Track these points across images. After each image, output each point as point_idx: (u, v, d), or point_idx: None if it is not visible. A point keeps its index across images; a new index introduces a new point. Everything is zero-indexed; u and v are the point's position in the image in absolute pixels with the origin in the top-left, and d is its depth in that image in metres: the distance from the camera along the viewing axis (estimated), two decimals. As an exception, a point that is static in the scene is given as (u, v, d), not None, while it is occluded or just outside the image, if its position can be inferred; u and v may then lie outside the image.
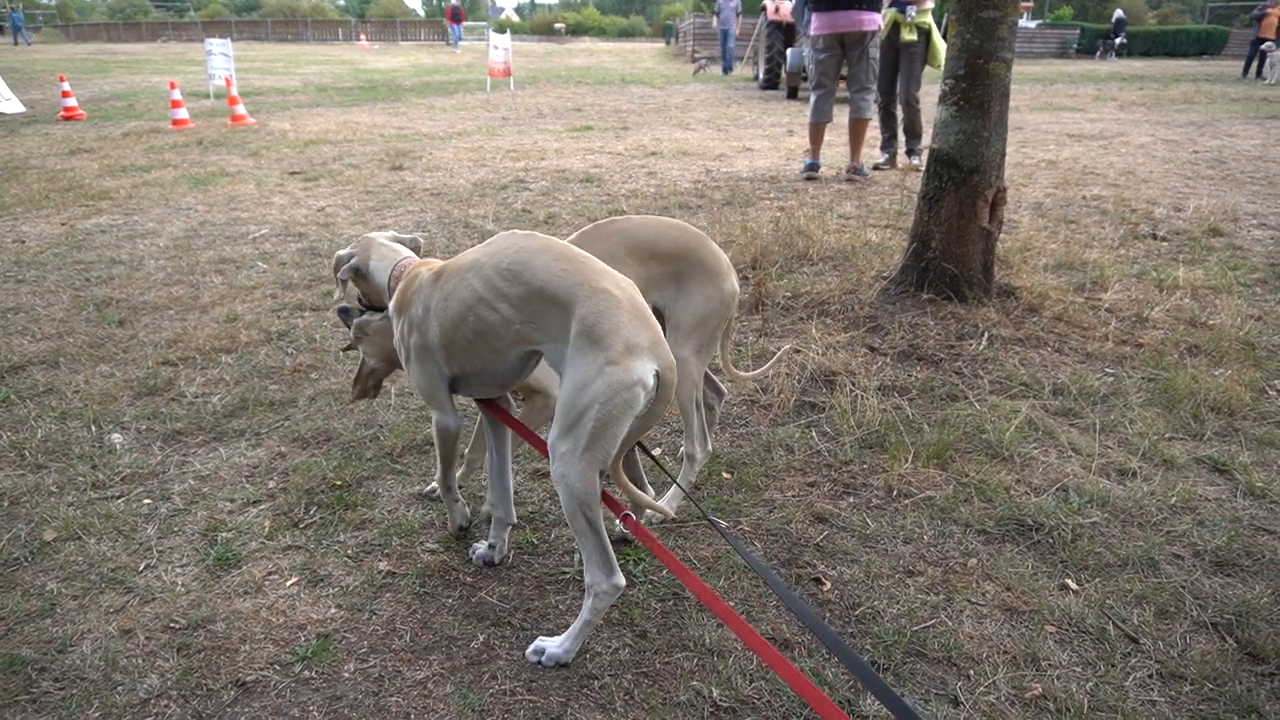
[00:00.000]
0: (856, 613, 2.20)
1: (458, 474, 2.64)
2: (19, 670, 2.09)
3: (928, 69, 7.81)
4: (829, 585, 2.31)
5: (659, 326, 1.87)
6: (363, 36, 43.41)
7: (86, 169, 8.61)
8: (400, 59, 29.03)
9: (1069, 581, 2.30)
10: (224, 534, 2.61)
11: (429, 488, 2.82)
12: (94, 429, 3.29)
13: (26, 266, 5.38)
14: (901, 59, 7.81)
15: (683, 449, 2.64)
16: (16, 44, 36.31)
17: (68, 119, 12.38)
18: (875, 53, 7.39)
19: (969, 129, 4.03)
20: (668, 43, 34.96)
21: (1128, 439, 3.04)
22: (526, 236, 1.99)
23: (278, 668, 2.08)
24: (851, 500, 2.72)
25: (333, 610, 2.28)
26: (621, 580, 1.96)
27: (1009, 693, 1.93)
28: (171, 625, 2.24)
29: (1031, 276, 4.51)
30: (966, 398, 3.31)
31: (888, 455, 2.92)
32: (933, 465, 2.86)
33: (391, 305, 2.29)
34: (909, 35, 7.64)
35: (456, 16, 29.08)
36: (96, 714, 1.95)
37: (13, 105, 13.51)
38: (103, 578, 2.44)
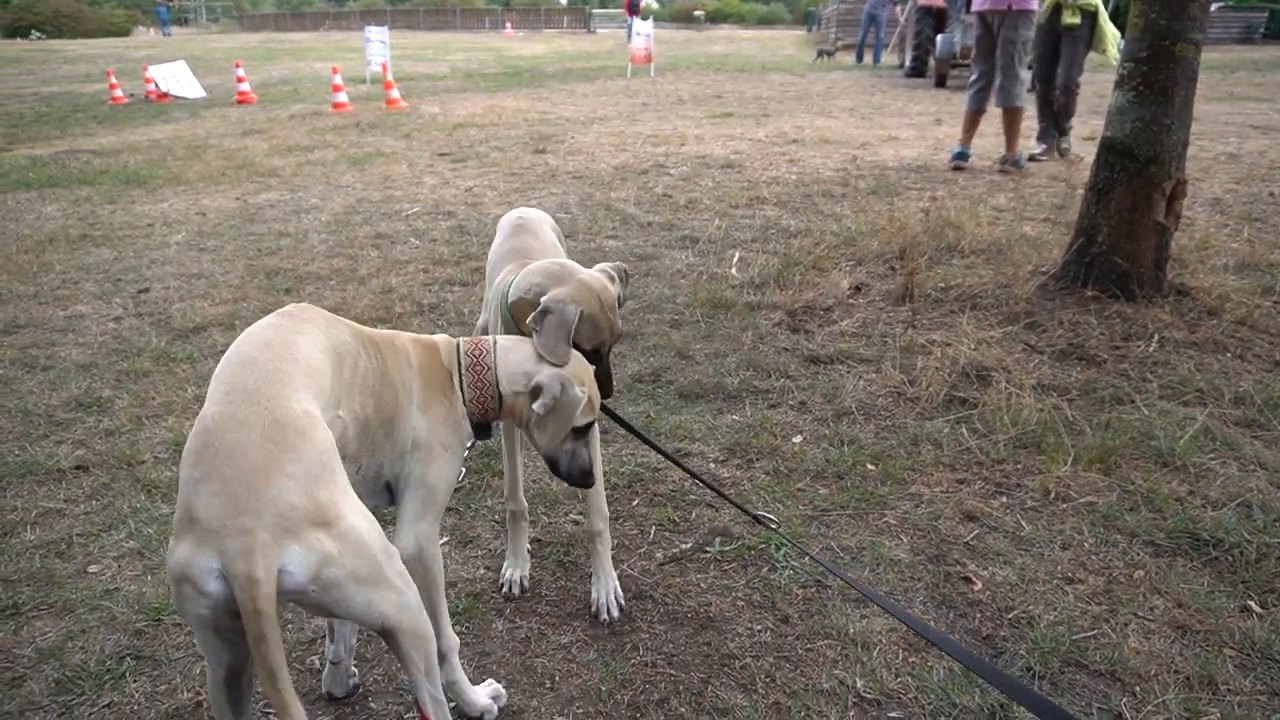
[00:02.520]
0: (1010, 616, 2.11)
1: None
2: None
3: (1090, 55, 7.34)
4: (980, 585, 2.22)
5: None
6: (508, 24, 44.62)
7: (257, 148, 9.23)
8: (543, 46, 29.68)
9: (1251, 604, 2.13)
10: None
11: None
12: (265, 387, 3.53)
13: (207, 237, 5.82)
14: (1063, 44, 7.34)
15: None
16: (166, 35, 39.40)
17: (241, 103, 13.29)
18: (1028, 35, 6.96)
19: (1148, 116, 3.77)
20: (809, 30, 34.25)
21: (1321, 455, 2.78)
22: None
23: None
24: (1004, 500, 2.60)
25: (481, 570, 2.37)
26: None
27: (1181, 714, 1.80)
28: (335, 573, 2.38)
29: (1210, 277, 4.18)
30: (1133, 401, 3.11)
31: (1044, 456, 2.78)
32: (1094, 470, 2.69)
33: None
34: (1071, 19, 7.17)
35: (634, 8, 28.98)
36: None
37: (196, 90, 14.63)
38: (274, 524, 2.62)
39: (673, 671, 1.98)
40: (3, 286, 4.83)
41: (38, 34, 39.38)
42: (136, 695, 1.97)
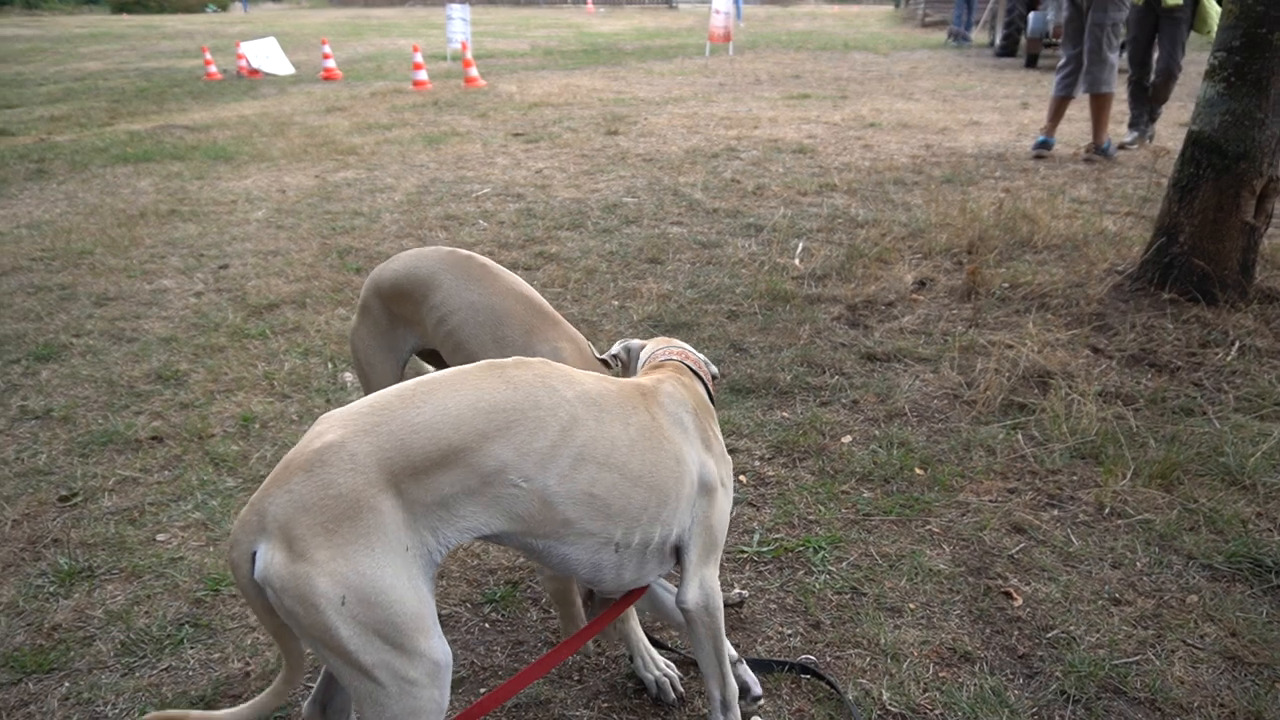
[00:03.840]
0: (1049, 635, 2.06)
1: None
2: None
3: (1192, 36, 6.94)
4: (1020, 601, 2.17)
5: None
6: (589, 1, 44.55)
7: (339, 126, 9.47)
8: (623, 22, 29.57)
9: (1311, 636, 2.03)
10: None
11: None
12: (330, 366, 3.66)
13: (286, 214, 6.02)
14: (1162, 26, 6.95)
15: None
16: (244, 11, 40.46)
17: (326, 79, 13.64)
18: (1118, 17, 6.60)
19: (1239, 110, 3.57)
20: (897, 5, 33.23)
21: (1407, 480, 2.62)
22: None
23: (469, 606, 2.25)
24: (1055, 513, 2.53)
25: (520, 559, 2.43)
26: None
27: (1221, 749, 1.75)
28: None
29: (1302, 281, 3.95)
30: (1205, 413, 2.98)
31: (1103, 469, 2.69)
32: (1155, 485, 2.60)
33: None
34: (1173, -1, 6.79)
35: None
36: (316, 625, 2.20)
37: (285, 67, 15.06)
38: (329, 502, 2.73)
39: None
40: (97, 260, 5.09)
41: (213, 7, 40.93)
42: (192, 661, 2.09)
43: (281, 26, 25.46)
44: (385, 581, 1.28)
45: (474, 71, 12.79)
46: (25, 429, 3.22)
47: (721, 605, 1.64)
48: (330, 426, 1.35)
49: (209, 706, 1.95)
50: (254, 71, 14.57)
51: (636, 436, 1.51)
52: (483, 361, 1.49)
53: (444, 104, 10.87)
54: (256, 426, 3.21)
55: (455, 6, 15.09)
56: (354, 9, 43.36)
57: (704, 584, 1.60)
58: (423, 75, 12.53)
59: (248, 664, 2.08)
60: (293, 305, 4.34)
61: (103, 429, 3.19)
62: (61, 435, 3.16)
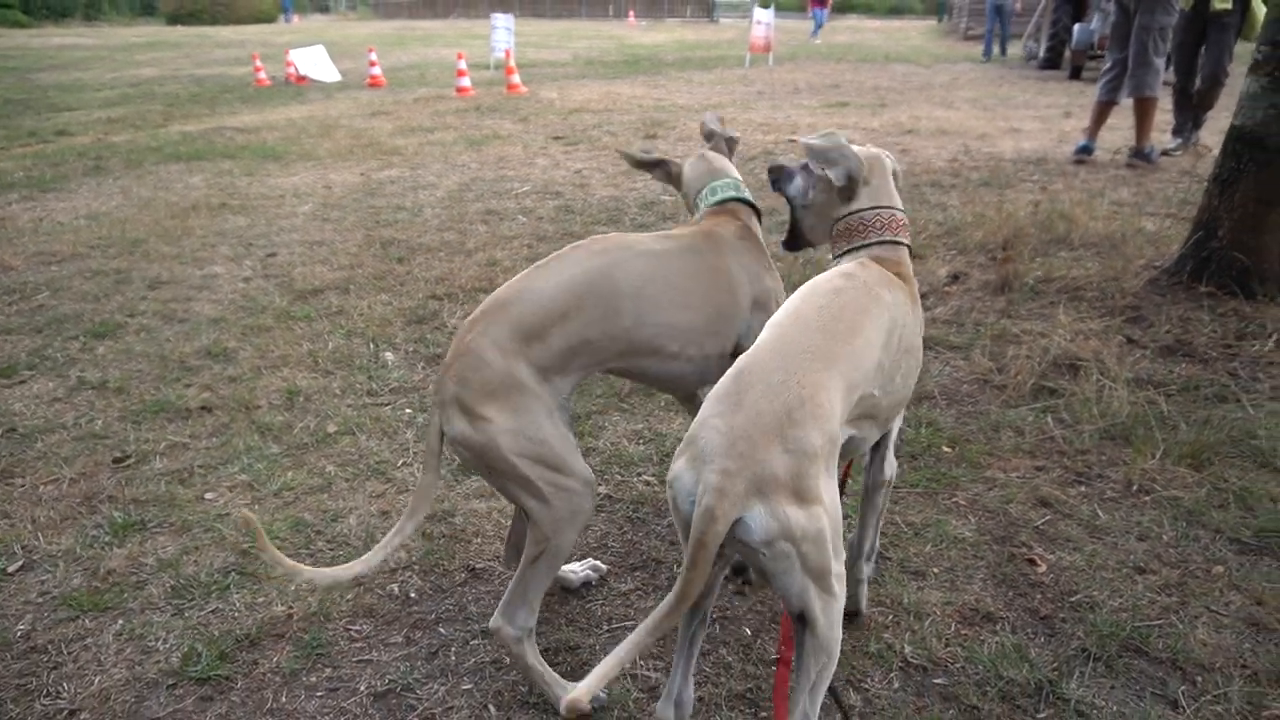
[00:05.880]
0: (1072, 599, 2.08)
1: None
2: (301, 530, 2.49)
3: (1240, 44, 6.86)
4: (1044, 568, 2.19)
5: None
6: (631, 14, 44.94)
7: (383, 128, 9.69)
8: (665, 35, 29.81)
9: (1339, 607, 2.03)
10: (468, 444, 2.92)
11: None
12: (372, 346, 3.77)
13: (331, 208, 6.19)
14: (1210, 31, 6.88)
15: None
16: (287, 22, 41.20)
17: (372, 86, 13.94)
18: (1166, 21, 6.53)
19: (1281, 103, 3.55)
20: (940, 20, 33.11)
21: None
22: None
23: (499, 561, 2.32)
24: (1083, 489, 2.54)
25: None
26: None
27: (1242, 707, 1.75)
28: (419, 513, 2.55)
29: (1344, 277, 3.90)
30: (1238, 400, 2.96)
31: (1132, 449, 2.70)
32: (1185, 465, 2.60)
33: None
34: (1222, 3, 6.71)
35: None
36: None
37: (332, 74, 15.43)
38: (370, 468, 2.83)
39: (725, 623, 2.05)
40: (151, 248, 5.28)
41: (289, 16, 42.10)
42: (238, 604, 2.19)
43: (329, 36, 26.03)
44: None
45: (516, 78, 13.00)
46: (82, 398, 3.37)
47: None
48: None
49: (253, 644, 2.04)
50: (302, 78, 14.95)
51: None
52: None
53: (486, 109, 11.07)
54: (301, 399, 3.32)
55: (499, 16, 15.37)
56: (399, 20, 44.21)
57: (893, 462, 1.93)
58: (466, 82, 12.76)
59: (290, 607, 2.17)
60: (336, 291, 4.47)
61: (155, 399, 3.33)
62: (116, 404, 3.30)
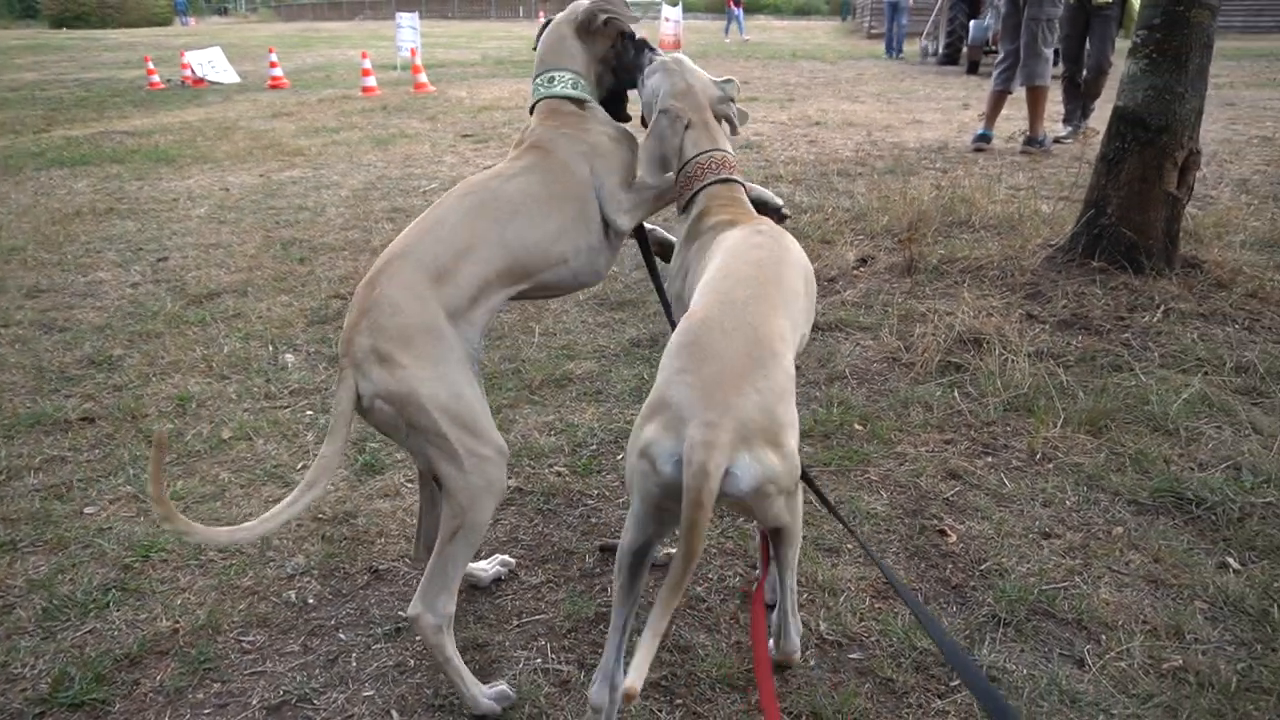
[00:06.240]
0: (982, 567, 2.10)
1: None
2: (191, 541, 2.33)
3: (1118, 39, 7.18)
4: (954, 538, 2.21)
5: None
6: (542, 14, 44.72)
7: (285, 129, 9.36)
8: (575, 36, 29.66)
9: (1230, 560, 2.09)
10: (371, 445, 2.80)
11: None
12: (271, 349, 3.60)
13: (229, 210, 5.93)
14: (1093, 24, 7.19)
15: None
16: (184, 24, 39.68)
17: (274, 87, 13.47)
18: (1053, 13, 6.82)
19: (1160, 84, 3.69)
20: (844, 19, 33.89)
21: (1322, 423, 2.72)
22: None
23: (407, 560, 2.22)
24: (989, 460, 2.58)
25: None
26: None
27: (1144, 661, 1.79)
28: (319, 516, 2.43)
29: (1224, 252, 4.09)
30: (1132, 369, 3.06)
31: (1035, 419, 2.75)
32: (1084, 432, 2.66)
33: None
34: (1103, -2, 7.02)
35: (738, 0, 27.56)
36: (249, 581, 2.16)
37: (231, 76, 14.85)
38: (266, 473, 2.68)
39: (639, 612, 2.00)
40: (29, 255, 4.95)
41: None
42: (118, 622, 2.04)
43: (228, 38, 25.08)
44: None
45: (424, 77, 12.74)
46: (-53, 414, 3.12)
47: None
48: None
49: (134, 664, 1.90)
50: (199, 81, 14.35)
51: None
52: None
53: (393, 108, 10.81)
54: (193, 406, 3.14)
55: (404, 15, 15.04)
56: (303, 22, 42.98)
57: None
58: (371, 81, 12.45)
59: (177, 622, 2.03)
60: (234, 294, 4.27)
61: (29, 412, 3.10)
62: (-14, 419, 3.07)
